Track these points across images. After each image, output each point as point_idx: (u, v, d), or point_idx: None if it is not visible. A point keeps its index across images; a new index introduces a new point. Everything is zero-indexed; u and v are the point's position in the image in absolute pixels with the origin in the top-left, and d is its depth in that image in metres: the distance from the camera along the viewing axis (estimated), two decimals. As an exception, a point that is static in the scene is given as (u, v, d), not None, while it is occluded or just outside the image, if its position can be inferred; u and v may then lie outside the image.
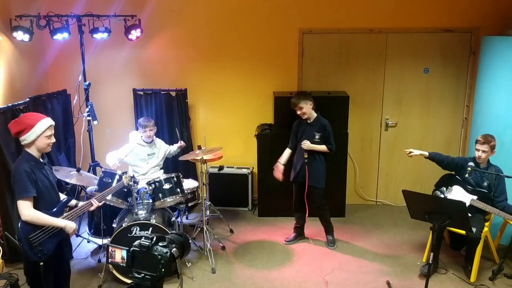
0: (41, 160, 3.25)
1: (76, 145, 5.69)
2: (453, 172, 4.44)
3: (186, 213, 5.45)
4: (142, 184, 4.53)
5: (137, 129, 5.06)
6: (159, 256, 2.38)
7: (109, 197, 4.22)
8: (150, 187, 4.31)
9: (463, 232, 4.13)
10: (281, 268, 4.50)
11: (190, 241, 3.24)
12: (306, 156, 4.60)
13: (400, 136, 5.86)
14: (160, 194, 4.30)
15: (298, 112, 4.60)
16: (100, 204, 3.58)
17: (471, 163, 4.19)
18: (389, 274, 4.36)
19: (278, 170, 4.77)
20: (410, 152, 4.42)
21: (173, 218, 4.56)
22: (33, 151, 3.17)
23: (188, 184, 4.91)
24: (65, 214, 3.29)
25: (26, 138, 3.11)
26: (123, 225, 4.07)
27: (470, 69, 5.59)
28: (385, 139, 5.89)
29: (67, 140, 5.66)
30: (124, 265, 2.52)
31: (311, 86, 5.64)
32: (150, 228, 4.03)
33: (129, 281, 3.87)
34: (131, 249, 2.45)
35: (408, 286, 4.19)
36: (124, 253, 2.52)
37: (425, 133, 5.83)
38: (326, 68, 5.70)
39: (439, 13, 5.46)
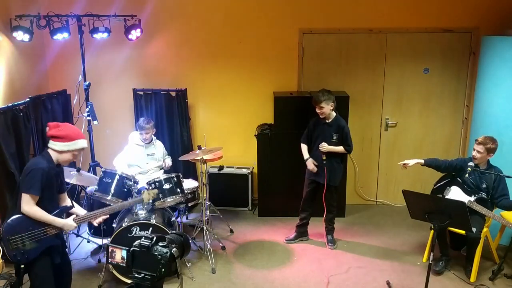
0: (56, 168, 3.29)
1: (76, 145, 5.68)
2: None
3: (186, 213, 5.45)
4: (142, 184, 4.53)
5: (137, 129, 5.06)
6: (159, 256, 2.38)
7: (109, 197, 4.22)
8: (150, 187, 4.31)
9: (463, 232, 4.13)
10: (281, 268, 4.50)
11: (190, 241, 3.24)
12: (324, 158, 4.60)
13: (400, 136, 5.86)
14: (160, 194, 4.30)
15: (318, 111, 4.55)
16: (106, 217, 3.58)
17: (471, 163, 4.19)
18: (389, 274, 4.36)
19: (311, 163, 4.69)
20: (404, 164, 4.40)
21: (173, 218, 4.56)
22: (54, 156, 3.23)
23: (188, 184, 4.90)
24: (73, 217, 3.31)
25: (58, 145, 3.19)
26: (123, 225, 4.07)
27: (470, 69, 5.59)
28: (385, 139, 5.89)
29: (67, 140, 5.65)
30: (124, 265, 2.52)
31: (311, 86, 5.64)
32: (150, 228, 4.03)
33: (129, 281, 3.87)
34: (131, 249, 2.45)
35: (408, 286, 4.19)
36: (124, 253, 2.52)
37: (425, 133, 5.83)
38: (326, 68, 5.71)
39: (439, 13, 5.46)
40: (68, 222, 3.24)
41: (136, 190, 4.26)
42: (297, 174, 5.00)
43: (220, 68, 5.80)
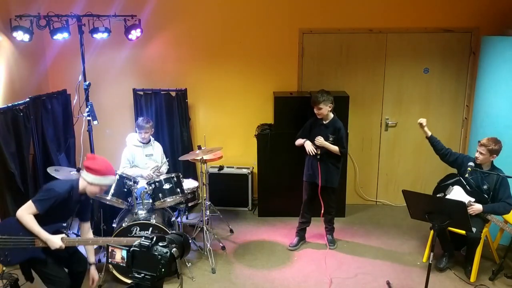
0: (80, 196, 3.34)
1: (76, 145, 5.69)
2: (455, 171, 4.43)
3: (186, 213, 5.45)
4: (142, 184, 4.53)
5: (136, 129, 5.05)
6: (159, 256, 2.38)
7: (109, 197, 4.22)
8: (150, 187, 4.31)
9: (463, 232, 4.13)
10: (281, 268, 4.50)
11: (190, 241, 3.24)
12: (318, 152, 4.55)
13: (400, 136, 5.86)
14: (160, 194, 4.30)
15: (316, 111, 4.54)
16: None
17: (471, 163, 4.20)
18: (389, 274, 4.36)
19: (309, 144, 4.57)
20: (421, 123, 4.41)
21: (173, 218, 4.56)
22: (82, 185, 3.32)
23: (188, 184, 4.90)
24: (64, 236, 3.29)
25: (89, 177, 3.29)
26: (123, 225, 4.07)
27: (470, 69, 5.59)
28: (385, 139, 5.89)
29: (67, 140, 5.65)
30: (124, 265, 2.52)
31: (311, 86, 5.64)
32: (150, 228, 4.03)
33: (129, 281, 3.87)
34: (131, 249, 2.45)
35: (408, 286, 4.19)
36: (124, 253, 2.52)
37: (425, 133, 5.83)
38: (326, 68, 5.70)
39: (439, 13, 5.46)
40: (53, 239, 3.20)
41: (136, 190, 4.25)
42: (297, 174, 4.99)
43: (220, 68, 5.80)
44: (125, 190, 4.29)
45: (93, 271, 3.53)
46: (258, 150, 5.47)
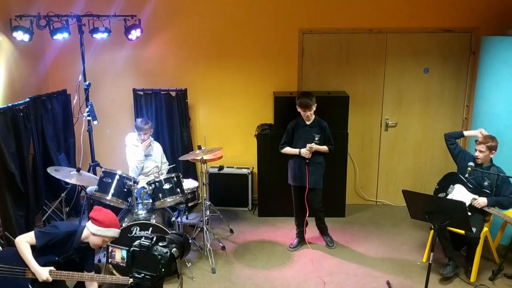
0: (81, 244, 3.36)
1: (76, 145, 5.69)
2: (454, 169, 4.44)
3: (186, 213, 5.45)
4: (142, 184, 4.53)
5: (134, 130, 5.05)
6: (159, 256, 2.38)
7: (109, 197, 4.22)
8: (150, 187, 4.31)
9: (462, 232, 4.13)
10: (281, 268, 4.50)
11: (190, 241, 3.24)
12: (307, 161, 4.55)
13: (400, 136, 5.86)
14: (160, 194, 4.30)
15: (307, 113, 4.52)
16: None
17: (471, 163, 4.20)
18: (389, 274, 4.36)
19: (305, 151, 4.52)
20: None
21: (173, 218, 4.56)
22: (85, 234, 3.35)
23: (188, 184, 4.90)
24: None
25: (93, 228, 3.31)
26: (123, 225, 4.07)
27: (470, 69, 5.59)
28: (385, 139, 5.89)
29: (67, 140, 5.65)
30: (124, 265, 2.52)
31: (311, 86, 5.64)
32: (150, 228, 4.03)
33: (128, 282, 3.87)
34: (131, 249, 2.46)
35: (408, 286, 4.19)
36: (124, 253, 2.53)
37: (425, 133, 5.83)
38: (326, 68, 5.70)
39: (439, 13, 5.46)
40: (41, 271, 3.21)
41: (136, 190, 4.25)
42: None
43: (220, 68, 5.80)
44: (125, 190, 4.29)
45: None
46: (258, 150, 5.47)
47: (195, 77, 5.82)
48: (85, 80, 5.23)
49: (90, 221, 3.35)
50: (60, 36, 4.93)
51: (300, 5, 5.55)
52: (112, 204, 4.30)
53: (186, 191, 4.53)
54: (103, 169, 4.40)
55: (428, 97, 5.72)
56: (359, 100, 5.67)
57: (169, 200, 4.34)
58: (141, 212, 4.23)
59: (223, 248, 4.86)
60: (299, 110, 4.58)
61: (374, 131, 5.88)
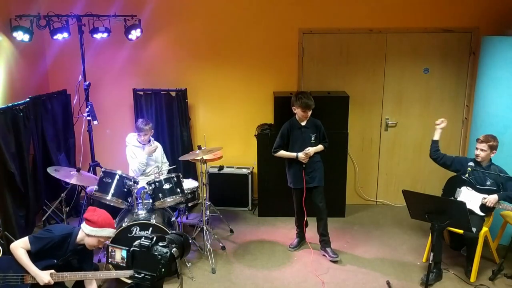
0: (76, 246, 3.36)
1: (76, 145, 5.69)
2: (455, 173, 4.43)
3: (186, 213, 5.45)
4: (142, 184, 4.53)
5: (135, 130, 5.05)
6: (159, 256, 2.38)
7: (109, 197, 4.22)
8: (150, 187, 4.31)
9: (461, 231, 4.12)
10: (281, 268, 4.50)
11: (190, 241, 3.24)
12: (304, 165, 4.49)
13: (400, 136, 5.86)
14: (160, 194, 4.30)
15: (306, 114, 4.44)
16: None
17: (471, 163, 4.19)
18: (389, 274, 4.36)
19: (303, 155, 4.45)
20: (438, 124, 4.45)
21: (173, 218, 4.56)
22: (81, 236, 3.34)
23: (188, 184, 4.90)
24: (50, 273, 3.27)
25: (87, 228, 3.31)
26: (123, 225, 4.07)
27: (470, 69, 5.59)
28: (385, 139, 5.89)
29: (67, 140, 5.65)
30: (124, 265, 2.52)
31: (311, 86, 5.64)
32: (150, 228, 4.03)
33: (129, 281, 3.87)
34: (131, 249, 2.45)
35: (408, 286, 4.19)
36: (124, 253, 2.53)
37: (425, 133, 5.82)
38: (326, 68, 5.70)
39: (439, 13, 5.46)
40: (42, 274, 3.20)
41: (136, 190, 4.25)
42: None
43: (220, 68, 5.80)
44: (125, 190, 4.28)
45: None
46: (258, 150, 5.47)
47: (195, 77, 5.82)
48: (85, 80, 5.23)
49: (84, 222, 3.34)
50: (60, 36, 4.93)
51: (300, 5, 5.55)
52: (112, 204, 4.30)
53: (186, 191, 4.53)
54: (103, 169, 4.40)
55: (428, 97, 5.72)
56: (359, 100, 5.67)
57: (169, 200, 4.34)
58: (141, 212, 4.23)
59: (223, 248, 4.86)
60: (298, 110, 4.47)
61: (374, 131, 5.88)
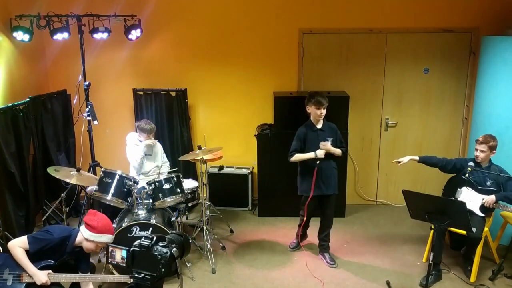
0: (74, 248, 3.36)
1: (76, 145, 5.69)
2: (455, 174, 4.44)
3: (186, 213, 5.45)
4: (142, 184, 4.53)
5: (136, 130, 5.05)
6: (159, 256, 2.38)
7: (109, 197, 4.22)
8: (150, 187, 4.31)
9: (464, 232, 4.12)
10: (281, 268, 4.50)
11: (190, 241, 3.24)
12: (318, 162, 4.29)
13: (400, 136, 5.86)
14: (160, 194, 4.30)
15: (320, 112, 4.29)
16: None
17: (471, 163, 4.19)
18: (389, 274, 4.36)
19: (321, 151, 4.27)
20: (398, 162, 4.44)
21: (173, 218, 4.56)
22: (79, 239, 3.34)
23: (188, 184, 4.90)
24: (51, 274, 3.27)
25: (86, 233, 3.30)
26: (123, 225, 4.07)
27: (470, 69, 5.59)
28: (385, 139, 5.89)
29: (67, 140, 5.65)
30: (124, 265, 2.52)
31: (311, 86, 5.64)
32: (150, 228, 4.03)
33: (129, 281, 3.87)
34: (131, 249, 2.45)
35: (408, 286, 4.19)
36: (124, 253, 2.53)
37: (425, 133, 5.83)
38: (326, 68, 5.70)
39: (439, 13, 5.46)
40: (40, 274, 3.20)
41: (136, 190, 4.25)
42: (297, 174, 4.99)
43: (220, 68, 5.80)
44: (125, 190, 4.28)
45: None
46: (258, 150, 5.47)
47: (195, 77, 5.82)
48: (85, 80, 5.23)
49: (83, 226, 3.34)
50: (60, 36, 4.93)
51: (300, 5, 5.55)
52: (112, 204, 4.30)
53: (186, 191, 4.53)
54: (103, 169, 4.40)
55: (428, 97, 5.72)
56: (359, 100, 5.67)
57: (169, 200, 4.34)
58: (141, 212, 4.23)
59: (223, 248, 4.86)
60: (312, 109, 4.32)
61: (374, 131, 5.88)
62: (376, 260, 4.64)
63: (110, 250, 2.62)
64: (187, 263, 4.41)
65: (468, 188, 4.22)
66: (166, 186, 4.32)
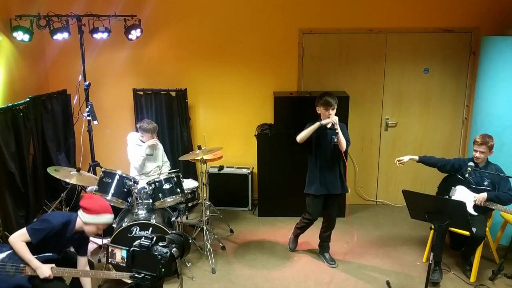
0: (75, 233, 3.33)
1: (76, 145, 5.69)
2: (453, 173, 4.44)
3: (186, 213, 5.45)
4: (142, 184, 4.53)
5: (137, 130, 5.05)
6: (159, 256, 2.38)
7: (109, 197, 4.22)
8: (150, 187, 4.31)
9: (467, 233, 4.11)
10: (281, 268, 4.50)
11: (190, 241, 3.24)
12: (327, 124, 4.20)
13: (400, 136, 5.86)
14: (160, 194, 4.30)
15: (329, 112, 4.22)
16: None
17: (471, 163, 4.18)
18: (389, 274, 4.36)
19: (327, 119, 4.20)
20: (399, 161, 4.45)
21: (173, 218, 4.56)
22: (79, 224, 3.32)
23: (188, 184, 4.90)
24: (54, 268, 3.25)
25: (84, 216, 3.29)
26: (123, 225, 4.07)
27: (470, 69, 5.59)
28: (385, 139, 5.89)
29: (67, 140, 5.65)
30: (124, 265, 2.52)
31: (311, 86, 5.65)
32: (150, 228, 4.03)
33: (129, 281, 3.87)
34: (131, 249, 2.46)
35: (408, 286, 4.19)
36: (124, 253, 2.53)
37: (425, 133, 5.83)
38: (326, 68, 5.70)
39: (439, 13, 5.46)
40: (43, 267, 3.19)
41: (136, 190, 4.25)
42: (297, 174, 5.00)
43: (220, 68, 5.80)
44: (125, 190, 4.28)
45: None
46: (258, 150, 5.47)
47: (195, 77, 5.82)
48: (85, 80, 5.23)
49: (80, 210, 3.29)
50: (60, 36, 4.93)
51: (300, 5, 5.55)
52: (112, 204, 4.29)
53: (186, 191, 4.53)
54: (103, 169, 4.40)
55: (428, 97, 5.72)
56: (359, 100, 5.67)
57: (169, 200, 4.34)
58: (141, 212, 4.23)
59: (223, 248, 4.86)
60: (321, 109, 4.26)
61: (374, 131, 5.88)
62: (376, 260, 4.64)
63: (110, 250, 2.62)
64: (187, 263, 4.41)
65: (463, 187, 4.23)
66: (166, 186, 4.32)
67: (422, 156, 4.50)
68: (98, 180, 4.32)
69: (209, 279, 4.31)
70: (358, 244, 4.99)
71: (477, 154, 4.18)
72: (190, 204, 5.00)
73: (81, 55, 5.17)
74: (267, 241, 5.05)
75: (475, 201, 4.12)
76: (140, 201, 4.29)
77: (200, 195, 5.02)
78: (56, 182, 4.94)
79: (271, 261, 4.64)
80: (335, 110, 4.27)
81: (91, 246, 4.83)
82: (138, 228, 4.04)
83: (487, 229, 4.24)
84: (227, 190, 5.75)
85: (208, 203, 5.14)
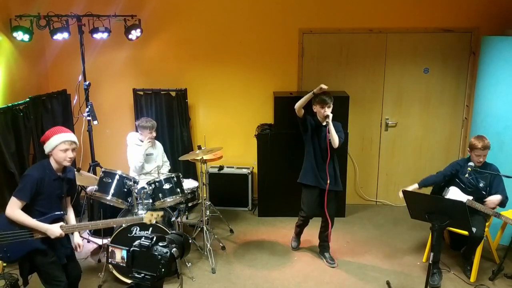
0: (58, 173, 3.28)
1: (76, 145, 5.69)
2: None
3: (186, 213, 5.45)
4: (142, 184, 4.53)
5: (137, 130, 5.05)
6: (159, 256, 2.38)
7: (109, 197, 4.22)
8: (150, 187, 4.31)
9: (465, 232, 4.11)
10: (281, 268, 4.50)
11: (190, 241, 3.24)
12: (325, 122, 4.29)
13: (400, 136, 5.86)
14: (160, 194, 4.30)
15: (325, 111, 4.30)
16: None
17: (471, 163, 4.16)
18: (389, 274, 4.36)
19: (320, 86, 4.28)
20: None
21: (173, 218, 4.56)
22: (52, 162, 3.26)
23: (188, 184, 4.91)
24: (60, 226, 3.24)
25: (45, 148, 3.24)
26: (123, 225, 4.07)
27: (470, 69, 5.59)
28: (385, 139, 5.89)
29: (67, 140, 5.64)
30: (124, 265, 2.52)
31: (311, 86, 5.61)
32: (150, 228, 4.03)
33: (129, 281, 3.87)
34: (131, 249, 2.46)
35: (408, 286, 4.19)
36: (124, 253, 2.53)
37: (425, 133, 5.83)
38: (326, 68, 5.71)
39: (439, 13, 5.46)
40: (53, 228, 3.16)
41: (136, 190, 4.26)
42: (297, 174, 4.99)
43: (220, 68, 5.80)
44: (125, 190, 4.28)
45: (76, 238, 3.47)
46: (258, 150, 5.47)
47: (195, 77, 5.82)
48: (85, 80, 5.23)
49: (44, 147, 3.25)
50: (60, 36, 4.93)
51: (300, 5, 5.55)
52: (112, 204, 4.31)
53: (186, 191, 4.53)
54: (103, 169, 4.40)
55: (428, 97, 5.72)
56: (359, 100, 5.67)
57: (169, 200, 4.34)
58: (141, 212, 4.23)
59: (223, 248, 4.86)
60: (317, 108, 4.37)
61: (374, 131, 5.88)
62: (376, 260, 4.64)
63: (110, 250, 2.62)
64: (187, 263, 4.41)
65: (456, 188, 4.22)
66: (166, 186, 4.32)
67: (420, 182, 4.40)
68: (98, 180, 4.32)
69: (209, 279, 4.31)
70: (358, 244, 4.99)
71: (481, 159, 4.11)
72: (190, 204, 5.01)
73: (81, 55, 5.17)
74: (267, 241, 5.05)
75: (487, 203, 4.06)
76: (140, 201, 4.29)
77: (200, 195, 5.02)
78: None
79: (271, 261, 4.64)
80: (330, 108, 4.36)
81: (91, 246, 4.84)
82: (138, 228, 4.04)
83: (486, 229, 4.24)
84: (227, 190, 5.75)
85: (208, 203, 5.14)
